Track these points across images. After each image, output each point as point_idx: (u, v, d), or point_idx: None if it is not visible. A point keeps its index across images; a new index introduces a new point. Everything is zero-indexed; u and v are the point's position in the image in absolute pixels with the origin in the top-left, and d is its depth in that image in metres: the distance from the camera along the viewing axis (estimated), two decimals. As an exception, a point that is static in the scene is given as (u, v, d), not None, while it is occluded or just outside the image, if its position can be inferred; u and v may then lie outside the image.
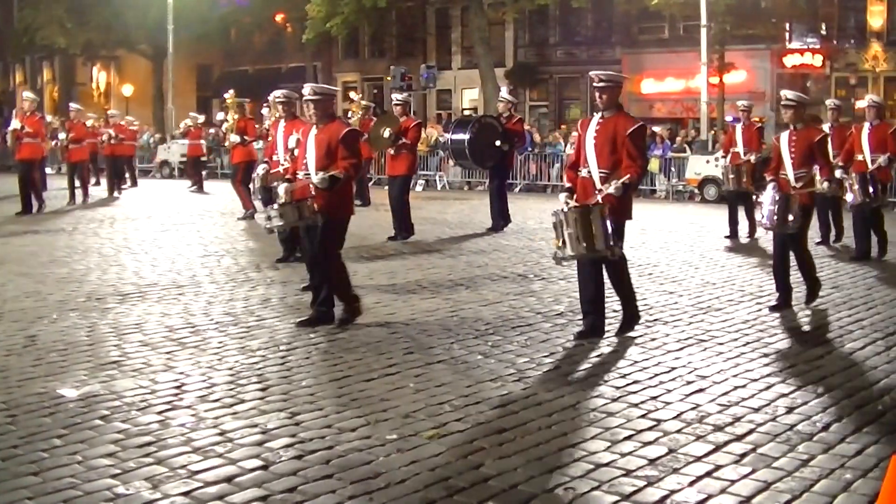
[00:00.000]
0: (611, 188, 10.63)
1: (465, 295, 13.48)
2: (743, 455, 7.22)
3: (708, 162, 31.09)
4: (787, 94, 13.24)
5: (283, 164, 15.07)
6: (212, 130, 41.42)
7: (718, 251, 18.48)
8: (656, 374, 9.47)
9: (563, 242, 10.58)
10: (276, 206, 11.88)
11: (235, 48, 62.23)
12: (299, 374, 9.29)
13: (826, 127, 17.04)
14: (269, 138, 21.15)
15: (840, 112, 20.04)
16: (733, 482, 6.70)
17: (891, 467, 5.64)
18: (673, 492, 6.51)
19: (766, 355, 10.31)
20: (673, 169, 32.99)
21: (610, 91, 11.04)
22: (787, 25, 44.81)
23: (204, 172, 37.96)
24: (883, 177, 17.58)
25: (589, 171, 10.98)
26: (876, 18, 43.19)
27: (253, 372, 9.35)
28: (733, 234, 20.40)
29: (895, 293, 14.16)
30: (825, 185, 13.52)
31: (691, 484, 6.65)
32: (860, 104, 32.52)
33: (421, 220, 21.22)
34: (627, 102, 47.05)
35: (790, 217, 12.48)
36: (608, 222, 10.60)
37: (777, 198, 12.54)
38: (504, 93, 26.44)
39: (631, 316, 11.39)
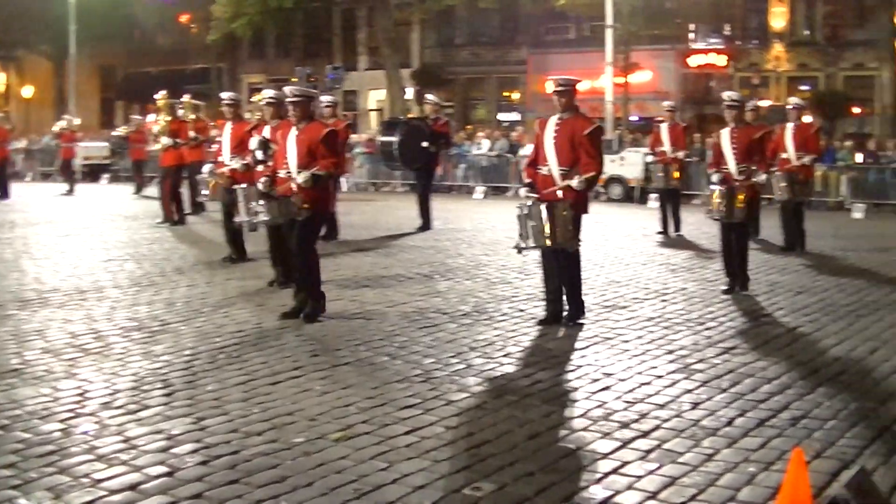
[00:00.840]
0: (573, 182, 11.38)
1: (370, 296, 13.45)
2: (649, 451, 7.29)
3: (613, 161, 31.31)
4: (731, 95, 14.73)
5: (229, 165, 15.77)
6: (115, 133, 40.94)
7: (622, 249, 18.63)
8: (562, 373, 9.53)
9: (527, 234, 11.38)
10: (261, 201, 12.31)
11: (139, 49, 61.57)
12: (204, 379, 9.20)
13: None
14: (194, 138, 21.36)
15: (758, 112, 20.82)
16: (639, 478, 6.75)
17: (792, 460, 5.72)
18: (580, 489, 6.55)
19: (670, 352, 10.41)
20: (578, 168, 33.12)
21: (568, 94, 11.83)
22: (692, 26, 45.31)
23: (107, 175, 37.65)
24: (806, 174, 18.95)
25: (549, 169, 11.67)
26: (778, 19, 43.81)
27: (157, 377, 9.24)
28: (665, 231, 21.34)
29: (796, 287, 14.40)
30: (762, 177, 14.33)
31: (598, 481, 6.70)
32: (762, 103, 33.05)
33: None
34: (532, 102, 47.49)
35: (736, 207, 13.69)
36: (570, 216, 11.31)
37: (723, 190, 13.78)
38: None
39: (579, 305, 11.93)
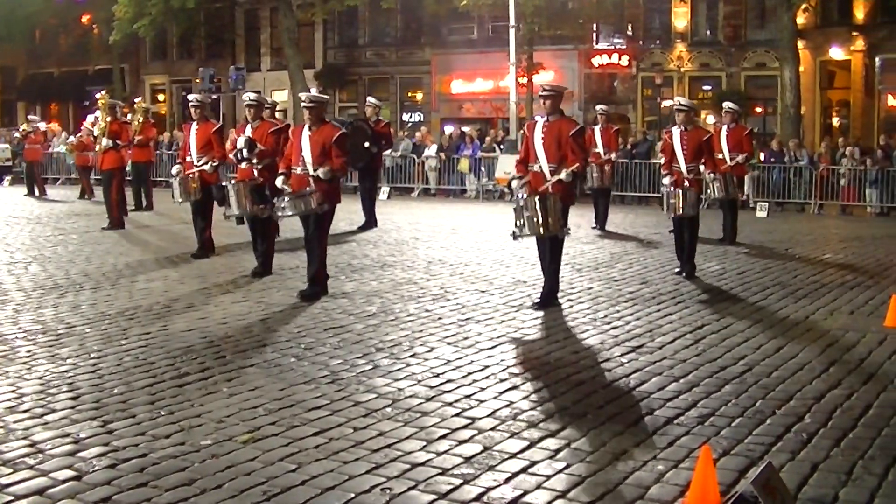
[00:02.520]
0: (562, 174, 12.73)
1: (277, 297, 13.43)
2: (557, 450, 7.36)
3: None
4: (680, 100, 16.39)
5: (197, 166, 16.75)
6: (17, 134, 40.35)
7: (529, 249, 18.64)
8: (470, 373, 9.58)
9: (523, 224, 12.64)
10: (286, 198, 13.40)
11: (40, 50, 60.73)
12: (111, 382, 9.13)
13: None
14: (153, 138, 21.52)
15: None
16: (549, 477, 6.82)
17: (701, 458, 5.83)
18: (489, 489, 6.59)
19: (576, 352, 10.50)
20: (483, 169, 33.37)
21: (553, 99, 13.14)
22: (595, 26, 45.59)
23: (8, 177, 37.20)
24: (739, 173, 20.65)
25: (539, 167, 13.07)
26: (680, 20, 44.22)
27: (63, 380, 9.16)
28: (600, 226, 22.72)
29: (701, 288, 14.57)
30: (710, 175, 16.50)
31: (507, 480, 6.75)
32: (666, 103, 33.32)
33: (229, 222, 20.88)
34: (437, 102, 47.48)
35: (688, 203, 15.35)
36: (560, 207, 12.60)
37: (677, 189, 15.45)
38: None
39: (553, 289, 13.21)
